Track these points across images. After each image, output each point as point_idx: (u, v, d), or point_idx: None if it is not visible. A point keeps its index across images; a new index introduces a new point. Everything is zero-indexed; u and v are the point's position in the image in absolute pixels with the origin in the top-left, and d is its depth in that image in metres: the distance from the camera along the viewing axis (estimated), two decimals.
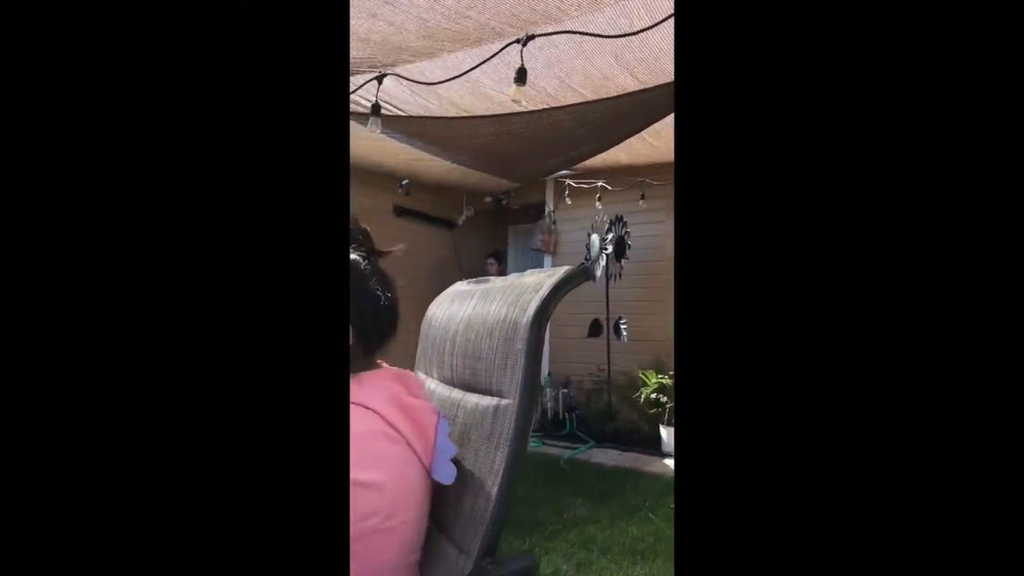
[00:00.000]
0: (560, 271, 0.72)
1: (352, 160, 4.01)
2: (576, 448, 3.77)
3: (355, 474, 0.61)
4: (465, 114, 2.84)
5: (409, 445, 0.67)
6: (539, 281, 0.73)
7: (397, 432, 0.66)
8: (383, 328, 0.73)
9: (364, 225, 0.75)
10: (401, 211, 4.42)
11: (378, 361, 0.76)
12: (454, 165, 3.84)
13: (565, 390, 4.40)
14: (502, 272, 4.84)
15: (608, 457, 3.57)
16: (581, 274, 0.71)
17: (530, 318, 0.68)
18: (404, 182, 4.24)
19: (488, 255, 4.97)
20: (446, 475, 0.70)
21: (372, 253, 0.74)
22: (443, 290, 1.03)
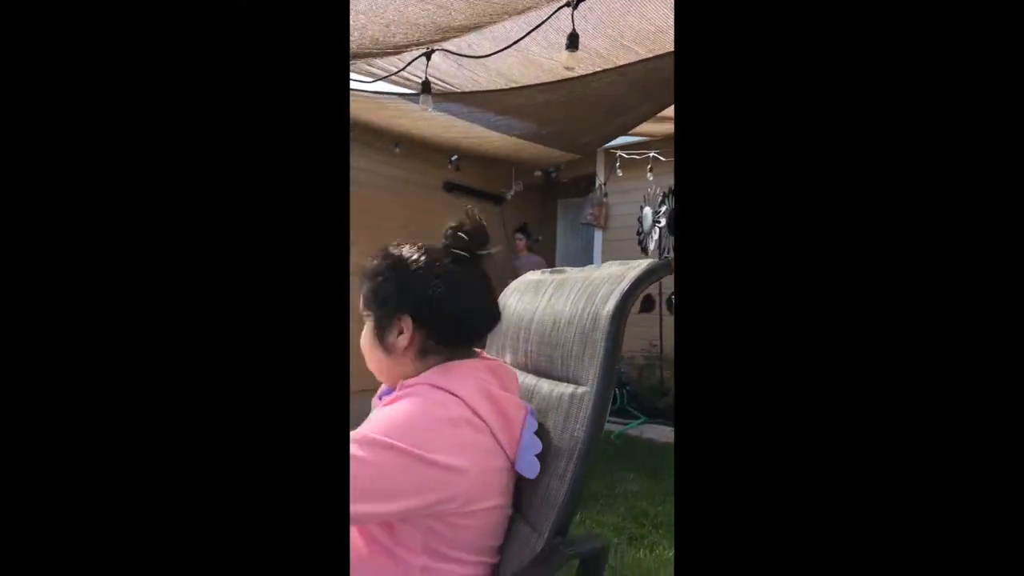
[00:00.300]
0: (643, 264, 0.72)
1: (403, 136, 4.03)
2: (627, 423, 3.77)
3: (438, 456, 0.63)
4: (514, 85, 2.80)
5: (494, 435, 0.68)
6: (620, 273, 0.73)
7: (483, 422, 0.67)
8: (462, 321, 0.74)
9: (482, 220, 0.76)
10: (451, 187, 4.43)
11: (476, 350, 0.79)
12: (504, 138, 3.81)
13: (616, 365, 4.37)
14: (529, 248, 4.76)
15: (659, 433, 3.55)
16: (664, 267, 0.70)
17: (611, 311, 0.69)
18: (454, 158, 4.24)
19: (515, 230, 4.82)
20: (529, 468, 0.71)
21: (476, 249, 0.75)
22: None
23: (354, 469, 0.59)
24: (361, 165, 3.85)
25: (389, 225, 3.43)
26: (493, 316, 0.77)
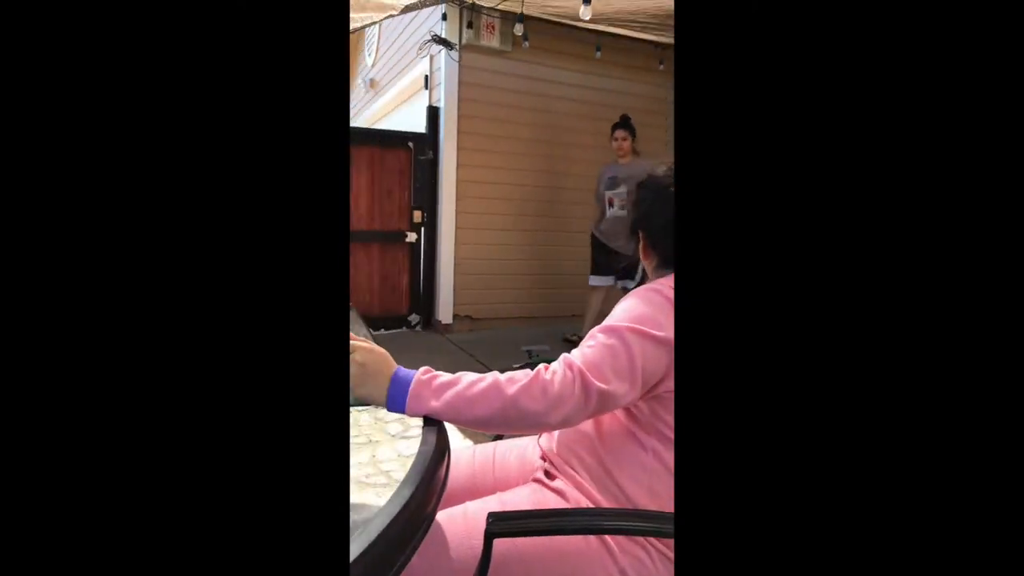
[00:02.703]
0: None
1: None
2: None
3: (655, 331, 0.75)
4: None
5: None
6: None
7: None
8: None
9: None
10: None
11: None
12: None
13: None
14: (635, 149, 3.63)
15: None
16: None
17: None
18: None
19: (615, 125, 3.65)
20: None
21: None
22: None
23: (604, 353, 0.73)
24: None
25: None
26: None
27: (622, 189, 3.52)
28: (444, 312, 4.38)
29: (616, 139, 3.63)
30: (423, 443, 0.66)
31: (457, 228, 4.36)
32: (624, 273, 3.64)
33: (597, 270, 3.78)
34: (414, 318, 4.54)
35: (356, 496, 0.56)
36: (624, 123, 3.63)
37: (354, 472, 0.61)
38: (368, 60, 6.75)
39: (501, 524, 0.68)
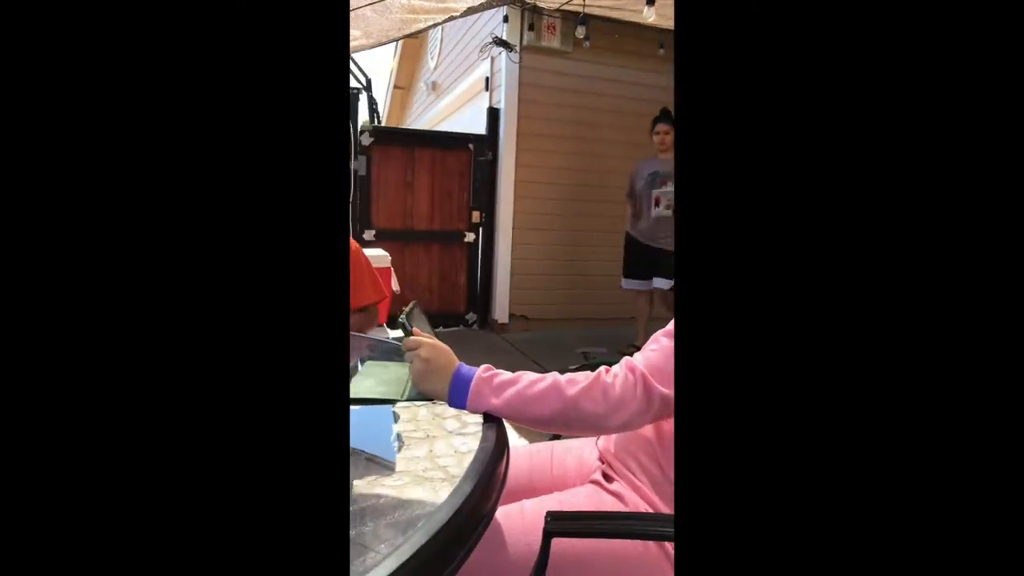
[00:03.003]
0: None
1: None
2: None
3: None
4: None
5: None
6: None
7: None
8: None
9: None
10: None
11: None
12: None
13: None
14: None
15: None
16: None
17: None
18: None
19: (655, 119, 3.45)
20: None
21: None
22: None
23: (668, 357, 0.71)
24: None
25: None
26: None
27: (670, 188, 3.28)
28: (500, 311, 4.41)
29: (658, 133, 3.38)
30: (483, 439, 0.67)
31: (514, 228, 4.38)
32: (665, 273, 3.35)
33: (631, 272, 3.54)
34: (471, 316, 4.60)
35: (413, 490, 0.58)
36: (665, 116, 3.39)
37: (411, 466, 0.63)
38: (431, 63, 6.88)
39: (560, 524, 0.68)
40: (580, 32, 3.61)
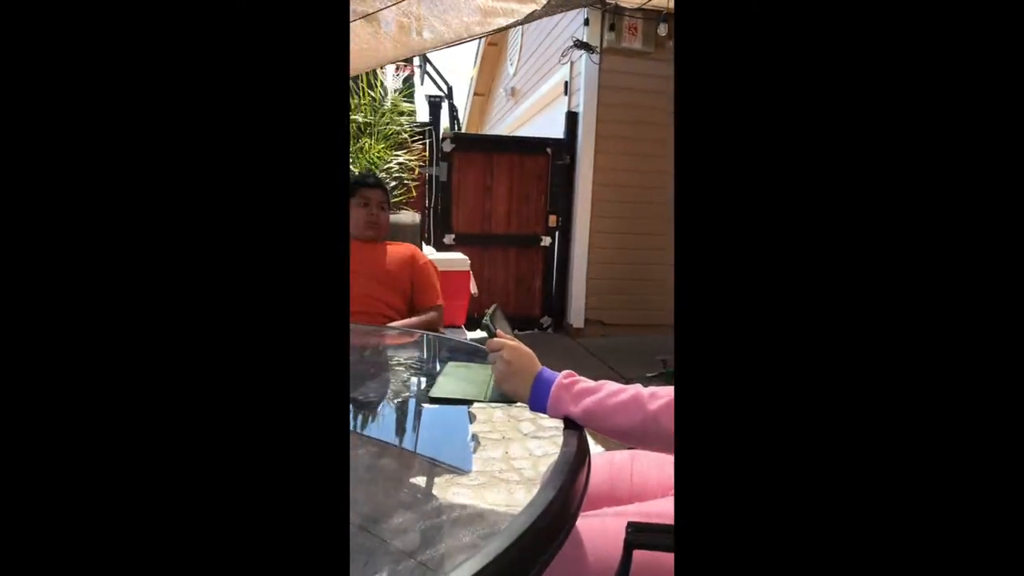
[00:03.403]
0: None
1: None
2: None
3: None
4: None
5: None
6: None
7: None
8: None
9: None
10: None
11: None
12: None
13: None
14: None
15: None
16: None
17: None
18: None
19: None
20: None
21: None
22: None
23: None
24: None
25: None
26: None
27: None
28: (576, 316, 4.37)
29: None
30: (565, 445, 0.66)
31: (591, 232, 4.34)
32: None
33: None
34: (546, 320, 4.59)
35: (488, 492, 0.57)
36: None
37: (487, 467, 0.62)
38: (510, 69, 6.96)
39: (642, 536, 0.66)
40: (662, 30, 3.53)
